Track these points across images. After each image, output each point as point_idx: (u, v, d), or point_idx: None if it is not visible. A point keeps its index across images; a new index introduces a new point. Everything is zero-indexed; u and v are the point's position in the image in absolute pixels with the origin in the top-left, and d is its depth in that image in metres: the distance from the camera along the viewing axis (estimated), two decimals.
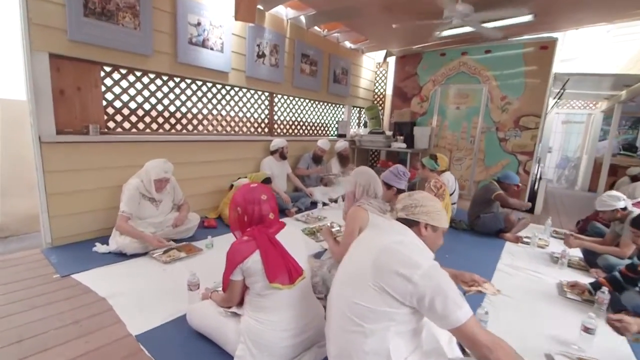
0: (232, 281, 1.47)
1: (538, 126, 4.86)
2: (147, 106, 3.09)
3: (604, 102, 7.29)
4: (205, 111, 3.60)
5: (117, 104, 2.88)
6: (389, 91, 6.30)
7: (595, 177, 7.86)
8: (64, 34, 2.41)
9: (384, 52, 5.93)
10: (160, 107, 3.20)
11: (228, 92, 3.79)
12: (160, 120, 3.22)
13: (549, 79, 4.69)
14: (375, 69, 6.39)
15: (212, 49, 3.35)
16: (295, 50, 4.39)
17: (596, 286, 2.28)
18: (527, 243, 3.43)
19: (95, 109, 2.72)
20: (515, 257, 3.05)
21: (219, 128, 3.78)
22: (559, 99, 5.77)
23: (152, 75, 3.08)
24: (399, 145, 5.52)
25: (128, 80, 2.91)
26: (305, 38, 4.53)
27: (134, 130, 3.03)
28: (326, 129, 5.63)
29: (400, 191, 2.40)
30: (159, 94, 3.16)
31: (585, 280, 2.49)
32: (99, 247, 2.52)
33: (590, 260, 2.89)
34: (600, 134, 7.98)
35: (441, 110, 5.66)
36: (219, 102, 3.71)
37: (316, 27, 4.67)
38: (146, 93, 3.06)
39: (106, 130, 2.83)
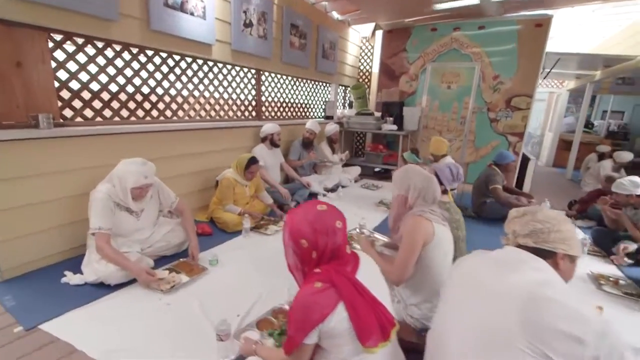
0: (303, 345, 1.07)
1: (529, 107, 4.83)
2: (113, 88, 2.41)
3: (572, 81, 7.57)
4: (185, 93, 2.96)
5: (74, 85, 2.17)
6: (375, 69, 5.91)
7: (559, 153, 8.36)
8: None
9: (370, 25, 5.46)
10: (130, 89, 2.52)
11: (211, 68, 3.15)
12: (132, 105, 2.54)
13: (541, 58, 4.61)
14: (360, 44, 5.92)
15: (192, 14, 2.69)
16: (283, 20, 3.78)
17: None
18: None
19: (44, 92, 2.01)
20: None
21: (202, 113, 3.16)
22: (544, 78, 5.81)
23: (118, 48, 2.38)
24: (390, 127, 5.23)
25: (86, 54, 2.20)
26: (293, 5, 3.92)
27: (98, 119, 2.35)
28: (313, 110, 5.14)
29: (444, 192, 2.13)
30: (128, 72, 2.48)
31: (609, 268, 2.49)
32: (70, 277, 1.93)
33: (602, 244, 2.89)
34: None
35: (431, 90, 5.42)
36: (200, 81, 3.06)
37: None
38: (112, 71, 2.37)
39: (62, 120, 2.13)
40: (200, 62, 3.02)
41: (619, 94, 8.36)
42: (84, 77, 2.21)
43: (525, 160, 5.08)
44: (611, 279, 2.40)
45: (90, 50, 2.22)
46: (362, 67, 6.09)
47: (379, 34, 5.60)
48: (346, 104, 6.05)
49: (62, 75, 2.10)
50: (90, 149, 2.21)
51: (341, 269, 1.10)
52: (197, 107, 3.08)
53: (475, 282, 1.06)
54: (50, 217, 2.09)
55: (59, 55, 2.07)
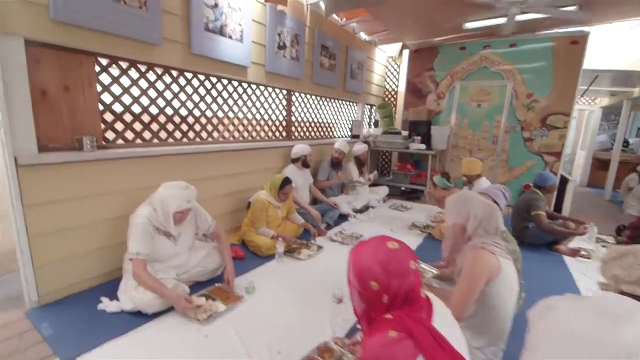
0: None
1: (567, 125, 4.62)
2: (153, 110, 2.42)
3: (606, 98, 7.28)
4: (220, 114, 2.96)
5: (117, 107, 2.19)
6: (401, 87, 5.85)
7: (594, 172, 7.95)
8: (44, 11, 1.72)
9: (396, 45, 5.45)
10: (169, 112, 2.53)
11: (245, 90, 3.16)
12: (170, 127, 2.55)
13: (578, 76, 4.44)
14: (386, 63, 5.91)
15: (230, 37, 2.71)
16: (315, 41, 3.80)
17: None
18: (587, 257, 3.13)
19: (89, 115, 2.03)
20: (586, 278, 2.71)
21: (236, 134, 3.15)
22: (581, 96, 5.59)
23: (159, 71, 2.41)
24: (418, 146, 5.10)
25: (130, 77, 2.23)
26: (324, 27, 3.95)
27: (138, 141, 2.35)
28: (340, 129, 5.10)
29: None
30: (168, 95, 2.49)
31: None
32: (107, 304, 1.87)
33: None
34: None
35: (460, 108, 5.29)
36: (235, 102, 3.07)
37: (334, 15, 4.10)
38: (152, 93, 2.39)
39: (104, 143, 2.14)
40: (235, 84, 3.03)
41: None
42: (126, 99, 2.23)
43: (563, 181, 4.81)
44: None
45: (134, 73, 2.25)
46: (387, 86, 6.05)
47: (406, 53, 5.57)
48: (371, 123, 5.98)
49: (106, 98, 2.12)
50: (129, 171, 2.20)
51: (416, 316, 0.97)
52: (231, 128, 3.07)
53: (575, 335, 0.91)
54: (89, 240, 2.06)
55: (104, 78, 2.10)
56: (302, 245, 2.86)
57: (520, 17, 3.49)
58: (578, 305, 0.98)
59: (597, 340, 0.86)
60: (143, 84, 2.32)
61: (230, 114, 3.05)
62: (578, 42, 4.37)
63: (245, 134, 3.25)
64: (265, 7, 3.03)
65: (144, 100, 2.34)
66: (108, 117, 2.14)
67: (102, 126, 2.12)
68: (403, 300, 0.99)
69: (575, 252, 3.18)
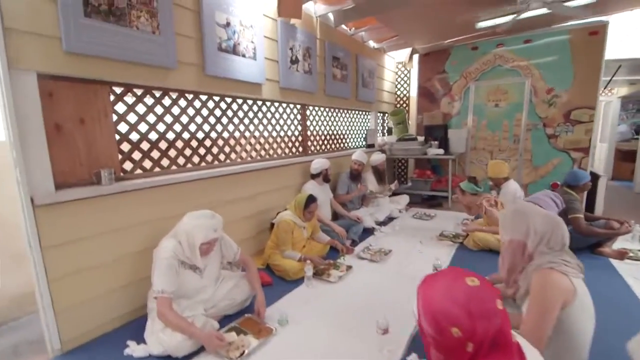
0: None
1: (592, 119, 4.41)
2: (170, 136, 2.33)
3: (624, 88, 7.02)
4: (236, 135, 2.86)
5: (133, 136, 2.10)
6: (413, 93, 5.73)
7: (617, 164, 7.63)
8: (57, 44, 1.65)
9: (405, 50, 5.35)
10: (186, 136, 2.44)
11: (260, 108, 3.06)
12: (188, 152, 2.45)
13: (601, 67, 4.25)
14: (396, 69, 5.81)
15: (244, 55, 2.63)
16: (326, 53, 3.72)
17: None
18: (637, 258, 2.89)
19: (106, 146, 1.94)
20: None
21: (253, 153, 3.04)
22: (605, 87, 5.38)
23: (174, 95, 2.33)
24: (435, 151, 4.94)
25: (145, 104, 2.15)
26: (334, 38, 3.87)
27: (156, 169, 2.26)
28: (355, 140, 4.97)
29: None
30: (184, 119, 2.41)
31: None
32: (134, 349, 1.74)
33: None
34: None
35: (477, 109, 5.13)
36: (251, 121, 2.98)
37: (343, 26, 4.03)
38: (168, 119, 2.30)
39: (122, 174, 2.05)
40: (250, 102, 2.94)
41: None
42: (142, 127, 2.15)
43: (594, 178, 4.56)
44: None
45: (149, 100, 2.17)
46: (399, 92, 5.94)
47: (415, 58, 5.47)
48: (385, 131, 5.85)
49: (122, 127, 2.04)
50: (149, 202, 2.10)
51: None
52: (248, 147, 2.97)
53: None
54: (111, 278, 1.95)
55: (120, 107, 2.02)
56: (330, 266, 2.71)
57: (535, 12, 3.35)
58: None
59: None
60: (158, 109, 2.23)
61: (247, 134, 2.95)
62: (598, 33, 4.20)
63: (263, 153, 3.14)
64: (277, 22, 2.96)
65: (160, 127, 2.25)
66: (125, 147, 2.06)
67: (120, 157, 2.03)
68: (490, 347, 0.83)
69: (622, 255, 2.94)
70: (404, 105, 5.97)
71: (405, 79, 5.86)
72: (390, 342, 1.76)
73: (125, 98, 2.04)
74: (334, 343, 1.81)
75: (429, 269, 2.58)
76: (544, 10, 3.04)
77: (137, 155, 2.13)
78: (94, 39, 1.74)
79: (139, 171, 2.15)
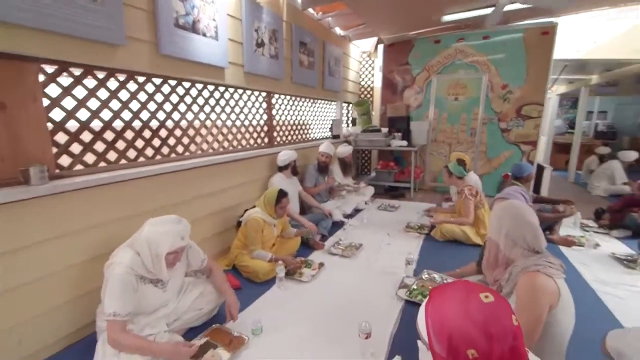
0: None
1: (541, 115, 4.74)
2: (117, 125, 2.00)
3: (563, 86, 7.69)
4: (196, 124, 2.57)
5: (72, 125, 1.76)
6: (377, 83, 5.71)
7: (554, 156, 8.41)
8: None
9: (371, 40, 5.29)
10: (137, 125, 2.12)
11: (222, 95, 2.79)
12: (139, 144, 2.14)
13: (550, 66, 4.55)
14: (360, 59, 5.73)
15: (204, 34, 2.34)
16: (293, 37, 3.50)
17: None
18: (582, 244, 3.16)
19: (35, 137, 1.59)
20: (589, 268, 2.71)
21: (215, 145, 2.78)
22: (551, 86, 5.79)
23: (122, 77, 1.99)
24: (399, 142, 4.99)
25: (85, 87, 1.80)
26: (301, 22, 3.65)
27: (102, 164, 1.93)
28: (320, 131, 4.84)
29: None
30: (134, 106, 2.08)
31: None
32: None
33: None
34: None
35: (438, 102, 5.26)
36: (212, 109, 2.70)
37: (310, 9, 3.82)
38: (115, 105, 1.97)
39: (58, 171, 1.71)
40: (211, 88, 2.65)
41: (603, 95, 8.59)
42: (83, 115, 1.80)
43: (540, 169, 4.95)
44: None
45: (91, 82, 1.82)
46: (363, 83, 5.89)
47: (380, 48, 5.43)
48: (349, 121, 5.79)
49: (57, 115, 1.69)
50: (93, 203, 1.79)
51: None
52: (209, 139, 2.70)
53: None
54: (52, 294, 1.64)
55: (52, 90, 1.67)
56: (301, 264, 2.59)
57: (504, 8, 3.44)
58: None
59: None
60: (103, 94, 1.89)
61: (208, 123, 2.68)
62: (548, 33, 4.47)
63: (226, 144, 2.88)
64: None
65: (105, 114, 1.92)
66: (61, 138, 1.71)
67: (54, 150, 1.68)
68: None
69: (570, 242, 3.19)
70: (368, 95, 5.95)
71: (370, 69, 5.82)
72: (371, 344, 1.70)
73: (60, 79, 1.69)
74: (314, 350, 1.70)
75: (401, 263, 2.57)
76: (517, 5, 3.08)
77: (76, 148, 1.79)
78: (18, 3, 1.38)
79: (79, 167, 1.82)
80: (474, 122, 5.10)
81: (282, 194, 2.51)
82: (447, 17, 3.98)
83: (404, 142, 5.00)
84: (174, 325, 1.73)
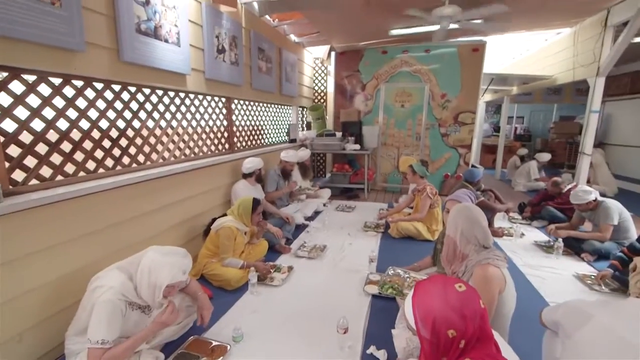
0: None
1: (474, 121, 5.36)
2: (75, 135, 1.87)
3: (489, 95, 8.72)
4: (157, 132, 2.48)
5: (25, 137, 1.62)
6: (330, 89, 5.94)
7: (483, 156, 9.50)
8: None
9: (324, 47, 5.48)
10: (96, 135, 2.00)
11: (183, 101, 2.72)
12: (99, 154, 2.02)
13: (480, 79, 5.18)
14: (314, 65, 5.89)
15: (166, 40, 2.28)
16: (251, 44, 3.52)
17: (614, 268, 2.56)
18: (510, 235, 3.69)
19: None
20: (518, 254, 3.19)
21: (177, 152, 2.70)
22: (482, 95, 6.53)
23: (79, 84, 1.87)
24: (353, 146, 5.27)
25: (39, 95, 1.67)
26: (259, 28, 3.68)
27: (59, 177, 1.79)
28: (277, 135, 4.89)
29: None
30: (93, 114, 1.96)
31: (581, 265, 2.94)
32: None
33: (572, 245, 3.27)
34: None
35: (387, 109, 5.65)
36: (173, 116, 2.62)
37: (267, 17, 3.87)
38: (72, 113, 1.84)
39: (11, 187, 1.56)
40: (171, 94, 2.58)
41: (520, 103, 9.92)
42: (37, 125, 1.67)
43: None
44: (593, 277, 2.70)
45: (44, 89, 1.69)
46: (317, 88, 6.06)
47: (333, 55, 5.65)
48: (304, 126, 5.92)
49: (8, 126, 1.55)
50: (52, 220, 1.66)
51: (491, 353, 0.96)
52: (171, 146, 2.62)
53: (623, 341, 1.00)
54: (14, 321, 1.49)
55: (3, 99, 1.52)
56: (271, 269, 2.64)
57: (435, 27, 3.86)
58: (613, 312, 1.10)
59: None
60: (59, 102, 1.76)
61: (169, 130, 2.60)
62: (478, 50, 5.09)
63: (187, 151, 2.81)
64: (201, 4, 2.65)
65: (62, 124, 1.79)
66: (14, 151, 1.57)
67: (6, 164, 1.53)
68: (477, 340, 0.96)
69: (500, 233, 3.71)
70: (322, 100, 6.14)
71: (323, 75, 6.02)
72: (348, 338, 1.84)
73: (11, 86, 1.54)
74: (295, 351, 1.79)
75: (364, 260, 2.78)
76: (456, 25, 3.48)
77: (31, 162, 1.65)
78: None
79: (34, 182, 1.67)
80: (418, 127, 5.58)
81: (256, 202, 2.56)
82: (394, 32, 4.31)
83: (357, 146, 5.28)
84: (152, 342, 1.69)
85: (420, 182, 3.64)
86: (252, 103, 3.89)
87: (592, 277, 2.70)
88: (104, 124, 2.03)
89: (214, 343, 1.79)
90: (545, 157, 6.19)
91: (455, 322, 0.93)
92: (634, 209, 4.32)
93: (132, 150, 2.26)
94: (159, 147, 2.50)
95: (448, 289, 0.99)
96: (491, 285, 1.49)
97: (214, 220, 2.58)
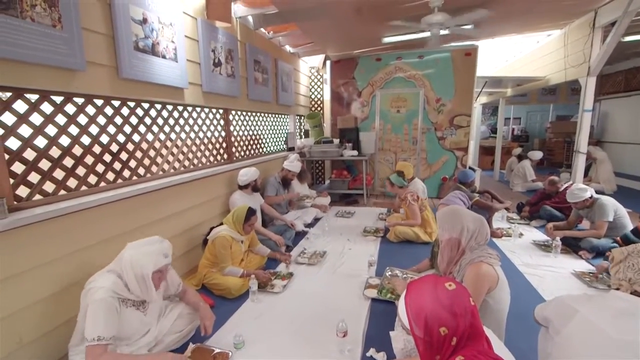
0: None
1: (469, 124, 5.42)
2: (77, 151, 1.93)
3: (484, 97, 8.80)
4: (156, 145, 2.54)
5: (29, 154, 1.68)
6: (327, 97, 6.02)
7: (481, 157, 9.54)
8: None
9: (319, 56, 5.59)
10: (97, 150, 2.06)
11: (181, 114, 2.79)
12: (100, 168, 2.07)
13: (474, 82, 5.26)
14: (310, 74, 5.99)
15: (164, 56, 2.36)
16: (247, 56, 3.60)
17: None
18: (509, 235, 3.71)
19: None
20: (517, 254, 3.22)
21: (176, 164, 2.75)
22: (476, 98, 6.61)
23: (80, 101, 1.93)
24: (350, 152, 5.33)
25: (42, 113, 1.73)
26: (254, 41, 3.77)
27: (62, 192, 1.84)
28: (276, 144, 4.96)
29: None
30: (94, 130, 2.02)
31: (579, 262, 2.96)
32: None
33: (570, 243, 3.29)
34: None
35: (383, 114, 5.72)
36: (172, 129, 2.68)
37: (262, 29, 3.96)
38: (74, 130, 1.90)
39: (16, 203, 1.61)
40: (170, 107, 2.65)
41: (515, 104, 10.00)
42: (40, 142, 1.73)
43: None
44: (591, 274, 2.72)
45: (47, 108, 1.75)
46: (313, 96, 6.15)
47: (328, 64, 5.75)
48: (302, 133, 5.99)
49: (13, 144, 1.60)
50: (56, 234, 1.71)
51: (483, 350, 0.99)
52: (170, 158, 2.67)
53: (605, 336, 1.04)
54: (17, 333, 1.53)
55: (7, 118, 1.58)
56: (271, 276, 2.67)
57: (427, 34, 3.95)
58: (596, 306, 1.14)
59: (633, 340, 1.00)
60: (60, 119, 1.82)
61: (168, 143, 2.66)
62: (471, 54, 5.17)
63: (187, 163, 2.87)
64: (197, 20, 2.73)
65: (64, 140, 1.85)
66: (18, 168, 1.62)
67: (11, 181, 1.59)
68: (468, 337, 1.00)
69: (501, 234, 3.74)
70: (319, 108, 6.23)
71: (319, 83, 6.12)
72: (348, 342, 1.87)
73: (15, 105, 1.61)
74: (296, 355, 1.82)
75: (363, 265, 2.81)
76: (447, 31, 3.56)
77: (35, 178, 1.70)
78: None
79: (38, 197, 1.72)
80: (414, 131, 5.65)
81: (251, 212, 2.59)
82: (386, 39, 4.41)
83: (355, 152, 5.34)
84: (155, 349, 1.72)
85: (400, 191, 3.68)
86: (249, 113, 3.96)
87: (591, 273, 2.72)
88: (104, 138, 2.09)
89: (216, 350, 1.82)
90: (537, 155, 6.26)
91: (447, 319, 0.97)
92: (630, 205, 4.36)
93: (133, 163, 2.31)
94: (159, 160, 2.55)
95: (438, 288, 1.03)
96: (482, 282, 1.53)
97: (211, 229, 2.62)
